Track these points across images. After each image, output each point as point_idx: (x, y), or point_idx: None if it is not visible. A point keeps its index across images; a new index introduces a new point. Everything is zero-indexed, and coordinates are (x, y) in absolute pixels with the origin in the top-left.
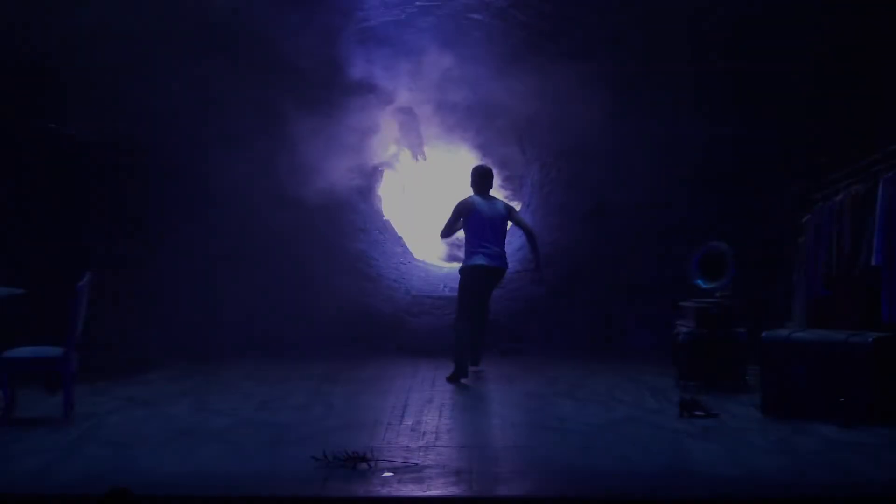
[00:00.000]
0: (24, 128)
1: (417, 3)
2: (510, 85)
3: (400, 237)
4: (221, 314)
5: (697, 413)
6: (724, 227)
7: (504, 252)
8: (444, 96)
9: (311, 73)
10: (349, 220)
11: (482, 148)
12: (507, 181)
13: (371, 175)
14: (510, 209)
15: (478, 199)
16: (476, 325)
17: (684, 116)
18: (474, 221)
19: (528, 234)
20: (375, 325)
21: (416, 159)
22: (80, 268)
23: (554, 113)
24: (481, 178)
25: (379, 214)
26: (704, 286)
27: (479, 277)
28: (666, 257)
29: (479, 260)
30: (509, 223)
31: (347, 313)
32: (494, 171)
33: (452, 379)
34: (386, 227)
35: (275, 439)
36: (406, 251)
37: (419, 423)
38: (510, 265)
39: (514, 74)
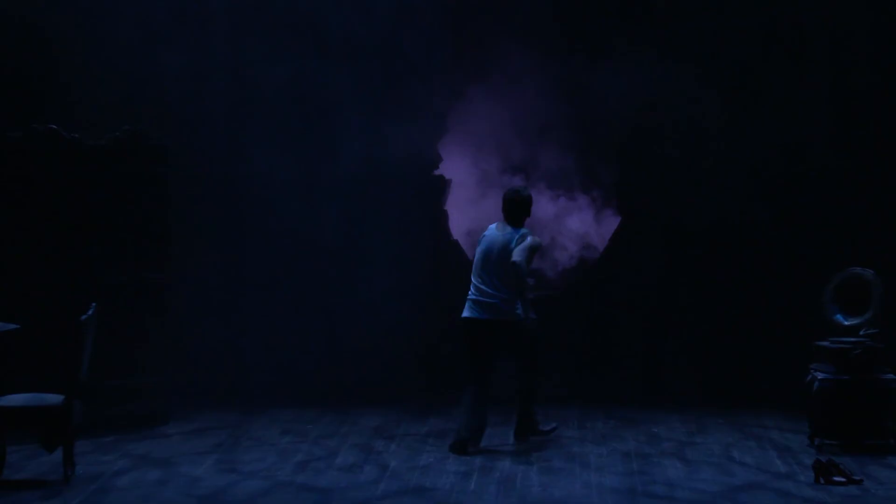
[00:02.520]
0: (21, 131)
1: None
2: (606, 90)
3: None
4: (254, 354)
5: (836, 479)
6: (866, 249)
7: (501, 295)
8: (521, 100)
9: (365, 58)
10: (409, 241)
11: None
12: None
13: (436, 185)
14: (516, 238)
15: (492, 227)
16: (480, 389)
17: (815, 118)
18: (476, 254)
19: (512, 272)
20: (440, 368)
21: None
22: (85, 298)
23: (661, 120)
24: (505, 204)
25: (445, 233)
26: (845, 322)
27: (467, 336)
28: (797, 287)
29: (465, 310)
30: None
31: (405, 354)
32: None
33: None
34: (455, 250)
35: None
36: None
37: (493, 488)
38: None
39: (610, 76)
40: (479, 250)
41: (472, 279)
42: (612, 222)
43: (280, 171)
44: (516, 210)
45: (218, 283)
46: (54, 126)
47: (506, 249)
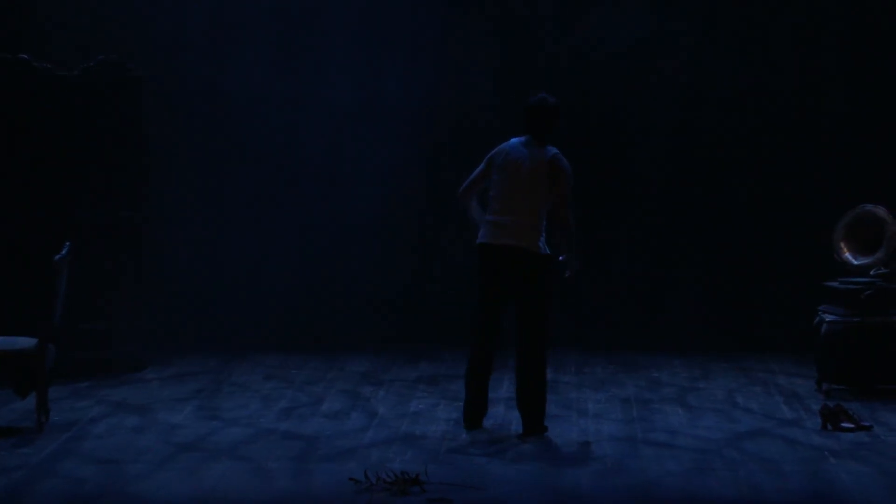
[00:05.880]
0: None
1: None
2: (606, 25)
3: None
4: (236, 296)
5: (845, 425)
6: (879, 185)
7: (521, 223)
8: None
9: None
10: (402, 176)
11: None
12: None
13: (432, 118)
14: (552, 171)
15: (513, 143)
16: (489, 346)
17: (824, 47)
18: (495, 174)
19: (559, 224)
20: (434, 313)
21: None
22: (58, 237)
23: (661, 59)
24: (527, 114)
25: (442, 169)
26: (855, 262)
27: (483, 266)
28: (806, 225)
29: (482, 235)
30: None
31: (395, 297)
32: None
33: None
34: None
35: (302, 455)
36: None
37: (486, 436)
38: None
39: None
40: (501, 172)
41: (493, 204)
42: None
43: (264, 104)
44: (545, 120)
45: (198, 221)
46: (25, 55)
47: (537, 173)
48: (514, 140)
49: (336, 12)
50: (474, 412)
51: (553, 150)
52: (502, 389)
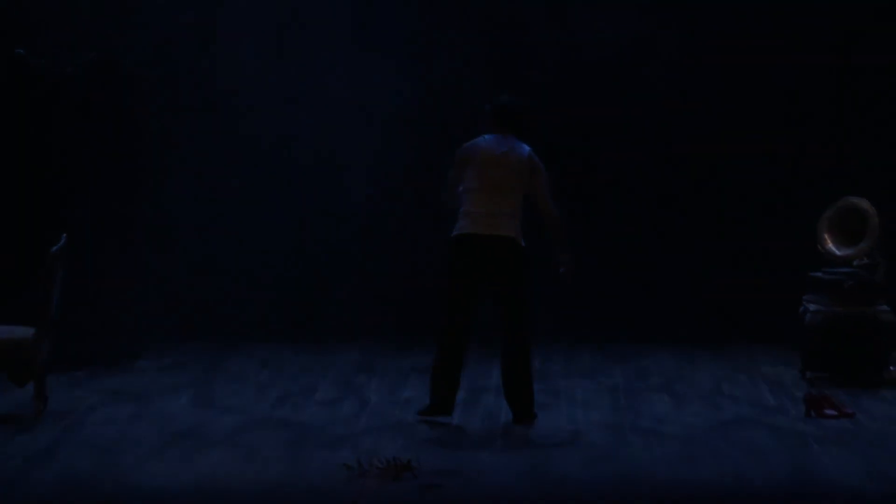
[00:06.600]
0: None
1: None
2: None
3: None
4: (230, 287)
5: (828, 412)
6: (863, 177)
7: (505, 214)
8: None
9: None
10: (394, 171)
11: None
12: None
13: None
14: (532, 166)
15: (484, 140)
16: (460, 339)
17: (817, 41)
18: (469, 170)
19: (546, 217)
20: (425, 303)
21: None
22: (54, 229)
23: (649, 55)
24: (493, 113)
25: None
26: (839, 253)
27: (460, 257)
28: (790, 216)
29: (460, 226)
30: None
31: (391, 289)
32: None
33: (423, 412)
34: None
35: (296, 443)
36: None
37: (477, 424)
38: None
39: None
40: (475, 167)
41: (469, 198)
42: None
43: (257, 100)
44: (514, 117)
45: (192, 214)
46: (21, 51)
47: (518, 169)
48: (487, 136)
49: (328, 9)
50: (439, 400)
51: (527, 147)
52: (492, 378)
